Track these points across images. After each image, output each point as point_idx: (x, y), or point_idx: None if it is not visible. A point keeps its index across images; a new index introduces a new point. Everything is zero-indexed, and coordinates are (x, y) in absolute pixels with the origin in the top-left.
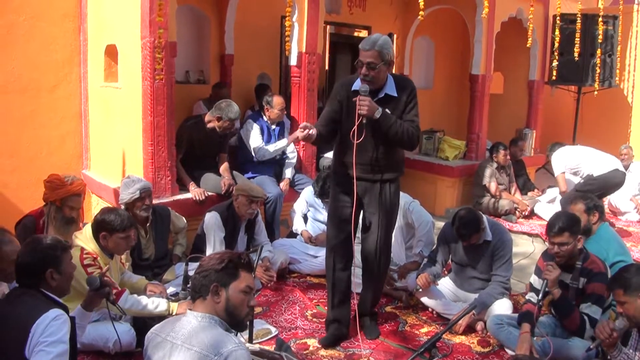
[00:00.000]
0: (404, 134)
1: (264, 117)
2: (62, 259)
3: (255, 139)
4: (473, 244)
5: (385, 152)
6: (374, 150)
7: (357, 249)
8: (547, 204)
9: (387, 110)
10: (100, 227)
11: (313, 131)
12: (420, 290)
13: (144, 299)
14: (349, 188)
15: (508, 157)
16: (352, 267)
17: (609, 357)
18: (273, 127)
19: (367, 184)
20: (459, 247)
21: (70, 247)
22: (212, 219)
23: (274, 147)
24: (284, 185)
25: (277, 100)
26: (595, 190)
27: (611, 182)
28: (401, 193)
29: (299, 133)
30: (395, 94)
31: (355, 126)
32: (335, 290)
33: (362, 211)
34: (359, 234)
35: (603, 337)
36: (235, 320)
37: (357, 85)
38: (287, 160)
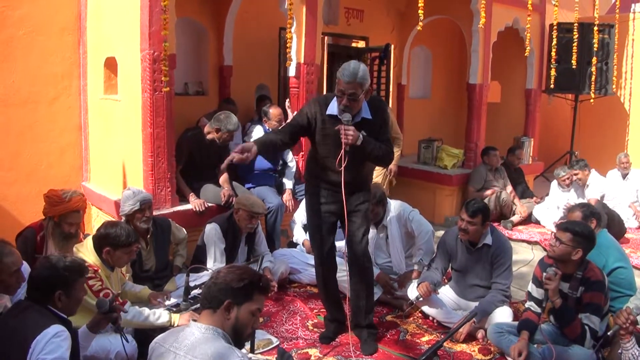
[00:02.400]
0: (383, 155)
1: (265, 125)
2: (74, 284)
3: (257, 134)
4: (474, 244)
5: (359, 171)
6: (353, 169)
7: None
8: (546, 208)
9: (363, 132)
10: (104, 242)
11: (248, 155)
12: (421, 299)
13: (145, 311)
14: (332, 200)
15: (499, 159)
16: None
17: (620, 351)
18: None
19: (349, 197)
20: (459, 254)
21: (87, 272)
22: (212, 231)
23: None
24: (287, 196)
25: (274, 112)
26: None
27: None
28: (401, 202)
29: (235, 155)
30: (370, 117)
31: (342, 153)
32: (329, 296)
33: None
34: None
35: (621, 321)
36: (238, 338)
37: (334, 109)
38: (287, 171)
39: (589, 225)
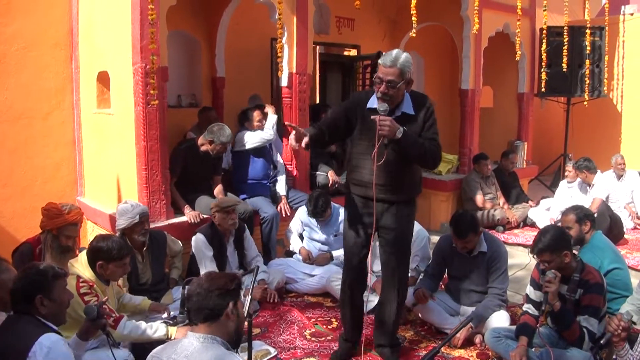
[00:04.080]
0: (426, 153)
1: (248, 129)
2: (52, 286)
3: (249, 135)
4: (470, 252)
5: (404, 171)
6: (391, 170)
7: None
8: (543, 210)
9: (404, 128)
10: (97, 256)
11: (305, 140)
12: (418, 305)
13: (142, 324)
14: (365, 209)
15: (489, 167)
16: (365, 291)
17: (614, 357)
18: None
19: (384, 205)
20: (455, 260)
21: (65, 274)
22: (197, 241)
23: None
24: (283, 204)
25: (255, 113)
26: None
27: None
28: None
29: (292, 139)
30: (413, 112)
31: (376, 148)
32: (349, 314)
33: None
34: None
35: (612, 329)
36: (239, 334)
37: (373, 103)
38: (279, 178)
39: (552, 229)
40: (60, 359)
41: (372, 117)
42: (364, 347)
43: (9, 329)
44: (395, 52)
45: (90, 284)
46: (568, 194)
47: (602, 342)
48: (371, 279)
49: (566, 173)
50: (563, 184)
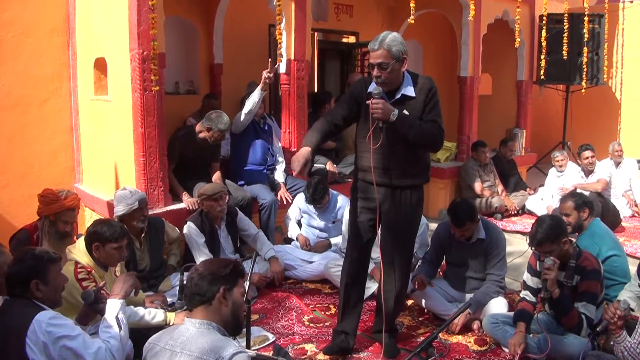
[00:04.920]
0: (426, 135)
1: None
2: (47, 270)
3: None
4: (468, 239)
5: (406, 156)
6: (392, 154)
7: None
8: (539, 200)
9: (405, 111)
10: (93, 238)
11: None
12: (417, 291)
13: (140, 310)
14: (368, 195)
15: (488, 154)
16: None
17: (612, 343)
18: (261, 124)
19: (387, 190)
20: (453, 247)
21: (59, 258)
22: (188, 230)
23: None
24: (282, 192)
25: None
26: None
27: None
28: None
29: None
30: (413, 94)
31: (371, 130)
32: (348, 301)
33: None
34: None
35: (609, 317)
36: (237, 321)
37: (372, 87)
38: (277, 166)
39: (547, 219)
40: (62, 324)
41: (367, 102)
42: (361, 333)
43: (6, 313)
44: (382, 33)
45: (89, 269)
46: (558, 183)
47: (598, 329)
48: (369, 265)
49: (558, 161)
50: (552, 172)
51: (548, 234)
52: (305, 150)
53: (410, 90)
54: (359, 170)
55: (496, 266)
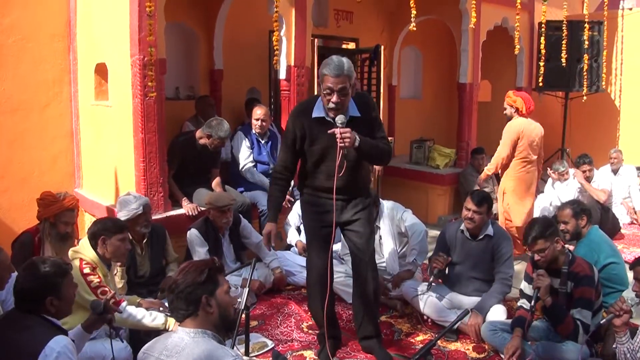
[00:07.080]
0: (381, 153)
1: (254, 130)
2: (61, 286)
3: (243, 153)
4: (475, 236)
5: (357, 174)
6: (349, 174)
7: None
8: (537, 207)
9: (354, 132)
10: (98, 233)
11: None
12: (434, 284)
13: (141, 311)
14: (324, 209)
15: (485, 161)
16: (332, 286)
17: (614, 345)
18: (263, 141)
19: (343, 203)
20: (458, 246)
21: (70, 268)
22: (192, 236)
23: (259, 178)
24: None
25: (255, 111)
26: None
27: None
28: (393, 203)
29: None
30: (358, 114)
31: (337, 161)
32: (326, 311)
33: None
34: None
35: (615, 310)
36: (227, 321)
37: (320, 112)
38: None
39: (539, 218)
40: (73, 355)
41: (329, 131)
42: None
43: (15, 329)
44: (336, 59)
45: (93, 265)
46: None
47: (602, 322)
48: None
49: (562, 174)
50: (550, 183)
51: (541, 230)
52: (268, 230)
53: (354, 110)
54: (311, 189)
55: (504, 264)
